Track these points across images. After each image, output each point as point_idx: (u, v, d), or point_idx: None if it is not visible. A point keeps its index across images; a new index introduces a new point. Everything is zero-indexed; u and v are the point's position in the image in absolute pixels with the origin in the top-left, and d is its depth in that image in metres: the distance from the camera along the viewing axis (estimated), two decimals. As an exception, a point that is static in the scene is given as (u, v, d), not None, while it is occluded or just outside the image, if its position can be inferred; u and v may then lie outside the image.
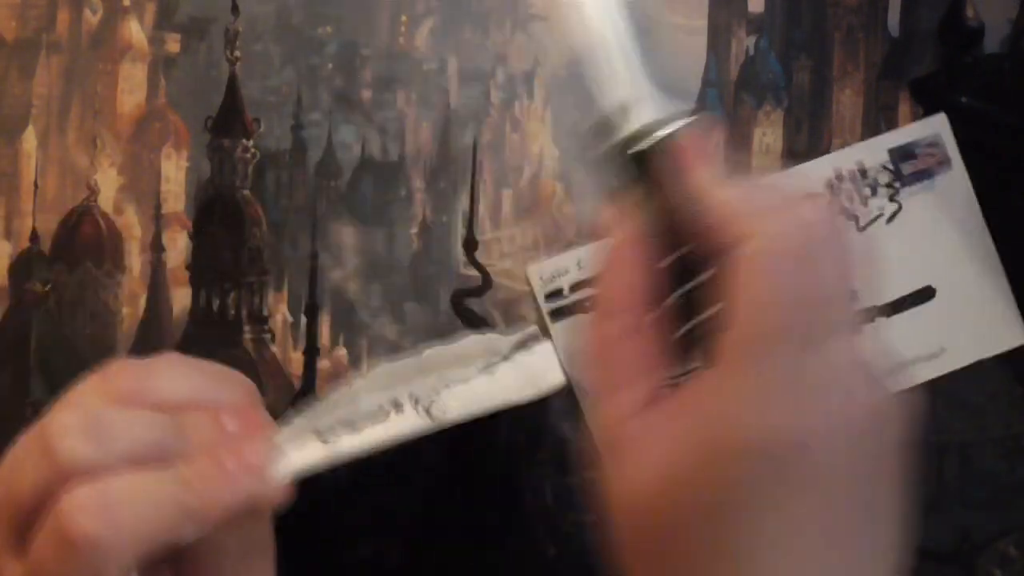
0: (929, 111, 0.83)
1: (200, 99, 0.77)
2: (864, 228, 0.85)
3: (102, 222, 0.81)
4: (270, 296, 0.80)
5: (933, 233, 0.84)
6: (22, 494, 0.35)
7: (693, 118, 0.39)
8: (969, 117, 0.77)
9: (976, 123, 0.77)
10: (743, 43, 0.77)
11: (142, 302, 0.81)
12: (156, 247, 0.80)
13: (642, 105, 0.40)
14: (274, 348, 0.89)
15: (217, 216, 0.79)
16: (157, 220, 0.80)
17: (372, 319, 0.78)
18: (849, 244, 0.42)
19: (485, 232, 0.75)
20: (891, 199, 0.85)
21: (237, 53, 0.77)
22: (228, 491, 0.37)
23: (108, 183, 0.81)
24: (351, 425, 0.42)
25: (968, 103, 0.77)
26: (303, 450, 0.41)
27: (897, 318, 0.85)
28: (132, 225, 0.81)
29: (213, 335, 0.81)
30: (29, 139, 0.90)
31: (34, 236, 0.77)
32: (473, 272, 0.76)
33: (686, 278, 0.40)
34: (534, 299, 0.84)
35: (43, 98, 0.85)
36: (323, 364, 0.84)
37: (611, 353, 0.39)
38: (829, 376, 0.38)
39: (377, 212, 0.78)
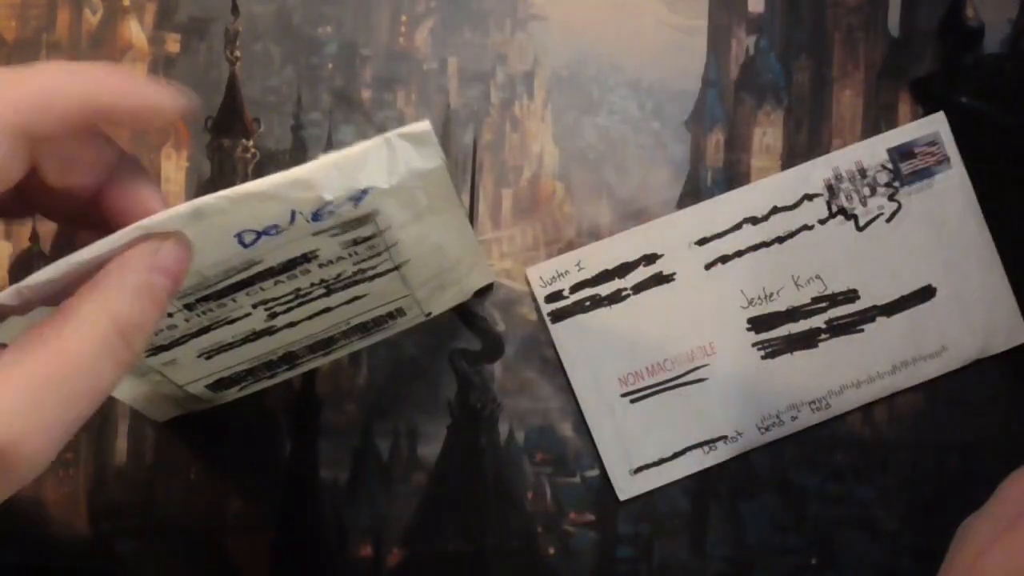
0: (929, 111, 0.83)
1: (200, 99, 0.77)
2: (864, 227, 0.86)
3: (102, 222, 0.81)
4: (270, 296, 0.80)
5: (933, 233, 0.85)
6: None
7: None
8: (969, 117, 0.77)
9: (976, 123, 0.77)
10: (743, 43, 0.77)
11: (142, 302, 0.81)
12: (156, 247, 0.80)
13: None
14: (274, 348, 0.89)
15: (217, 216, 0.79)
16: (157, 220, 0.80)
17: (372, 319, 0.78)
18: None
19: (485, 232, 0.75)
20: (891, 198, 0.86)
21: (237, 53, 0.77)
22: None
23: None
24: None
25: (968, 103, 0.77)
26: None
27: (897, 318, 0.85)
28: (132, 225, 0.81)
29: (213, 335, 0.81)
30: (29, 139, 0.89)
31: (34, 236, 0.77)
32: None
33: None
34: (534, 300, 0.84)
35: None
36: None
37: None
38: None
39: (377, 212, 0.78)
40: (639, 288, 0.77)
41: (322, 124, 0.79)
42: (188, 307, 0.58)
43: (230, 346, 0.65)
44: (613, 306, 0.77)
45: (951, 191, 0.78)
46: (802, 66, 0.79)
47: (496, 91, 0.79)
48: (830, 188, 0.78)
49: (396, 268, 0.64)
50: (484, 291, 0.77)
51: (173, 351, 0.63)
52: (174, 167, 0.78)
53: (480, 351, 0.78)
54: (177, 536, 0.77)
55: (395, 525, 0.77)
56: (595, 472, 0.77)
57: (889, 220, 0.78)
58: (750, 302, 0.77)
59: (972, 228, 0.78)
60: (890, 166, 0.78)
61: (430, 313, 0.74)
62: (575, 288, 0.77)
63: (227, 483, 0.77)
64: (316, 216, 0.54)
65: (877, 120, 0.78)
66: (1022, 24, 0.78)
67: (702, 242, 0.78)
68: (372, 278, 0.64)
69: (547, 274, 0.77)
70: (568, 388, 0.77)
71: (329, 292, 0.64)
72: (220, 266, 0.55)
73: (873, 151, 0.78)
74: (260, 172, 0.78)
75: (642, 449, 0.77)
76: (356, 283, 0.64)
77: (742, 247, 0.77)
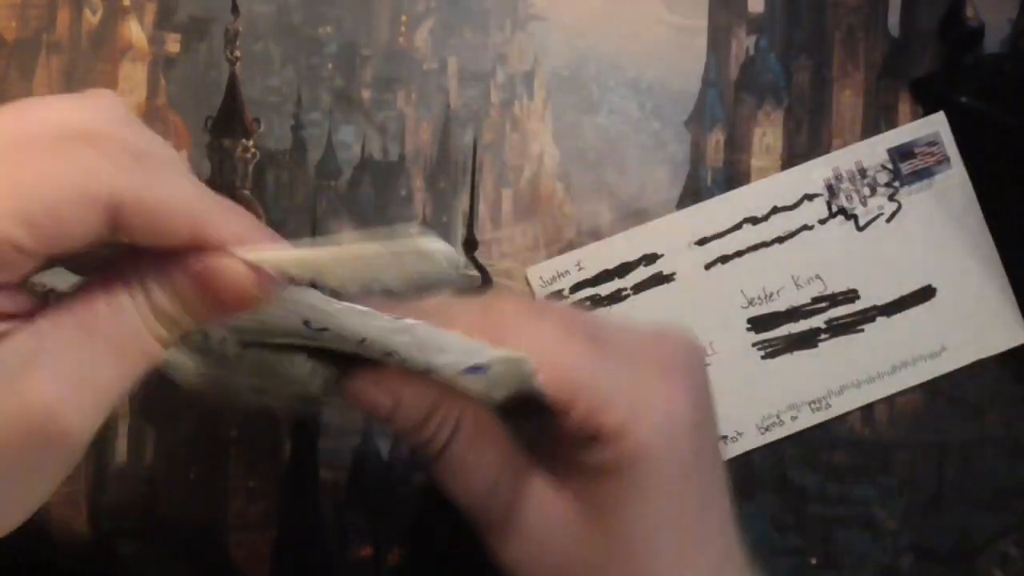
0: (929, 111, 0.83)
1: (200, 99, 0.77)
2: (864, 227, 0.86)
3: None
4: (270, 296, 0.80)
5: (933, 232, 0.85)
6: None
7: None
8: (969, 117, 0.77)
9: (976, 123, 0.77)
10: (743, 43, 0.77)
11: (142, 302, 0.81)
12: (156, 247, 0.80)
13: None
14: (274, 348, 0.89)
15: (217, 216, 0.79)
16: (157, 220, 0.80)
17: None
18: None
19: (485, 232, 0.75)
20: (891, 198, 0.85)
21: (237, 53, 0.77)
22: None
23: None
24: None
25: (968, 103, 0.77)
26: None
27: (897, 318, 0.85)
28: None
29: (213, 335, 0.81)
30: (29, 139, 0.89)
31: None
32: (473, 272, 0.76)
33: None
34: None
35: (43, 98, 0.85)
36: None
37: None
38: None
39: (377, 212, 0.78)
40: (639, 288, 0.77)
41: (322, 124, 0.79)
42: (240, 345, 0.52)
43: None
44: (613, 306, 0.77)
45: (951, 191, 0.78)
46: (802, 66, 0.79)
47: (496, 91, 0.79)
48: (830, 188, 0.78)
49: None
50: (483, 290, 0.77)
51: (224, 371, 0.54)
52: (174, 167, 0.78)
53: (480, 351, 0.78)
54: (177, 536, 0.77)
55: (395, 525, 0.77)
56: (595, 472, 0.77)
57: (889, 220, 0.78)
58: (750, 302, 0.77)
59: (972, 228, 0.78)
60: (890, 166, 0.78)
61: None
62: (575, 288, 0.77)
63: (227, 483, 0.77)
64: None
65: (877, 120, 0.78)
66: (1022, 24, 0.78)
67: (702, 242, 0.78)
68: None
69: (547, 274, 0.77)
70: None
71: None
72: (280, 327, 0.50)
73: (873, 151, 0.78)
74: (260, 172, 0.78)
75: (642, 449, 0.77)
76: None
77: (742, 247, 0.77)
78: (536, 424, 0.49)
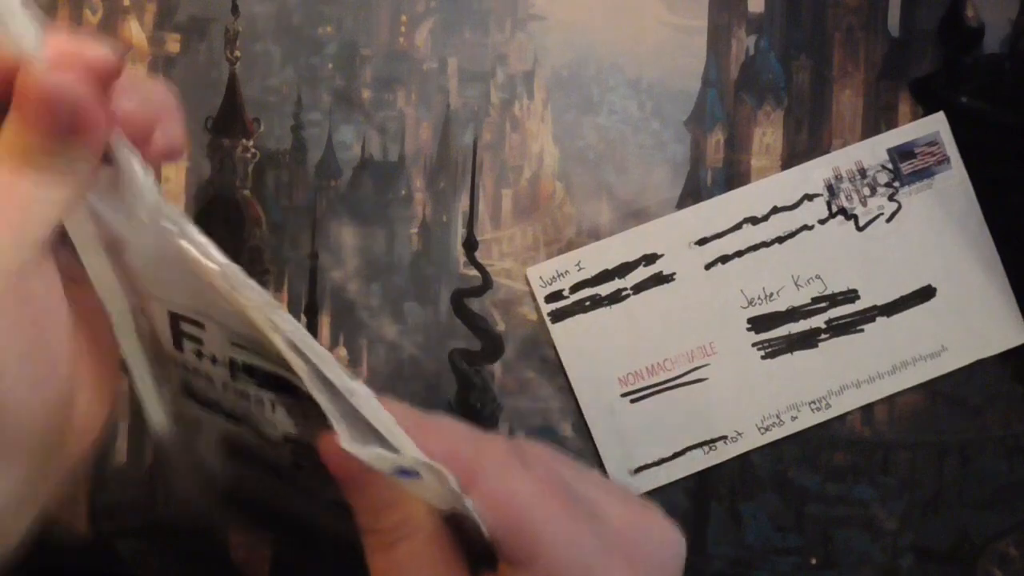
0: (929, 111, 0.83)
1: (200, 99, 0.77)
2: (864, 227, 0.86)
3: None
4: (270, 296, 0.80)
5: (933, 233, 0.85)
6: None
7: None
8: (969, 117, 0.77)
9: (976, 123, 0.77)
10: (743, 43, 0.77)
11: (142, 302, 0.81)
12: (156, 247, 0.80)
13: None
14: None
15: (217, 216, 0.79)
16: (157, 220, 0.80)
17: (372, 319, 0.78)
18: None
19: (485, 232, 0.75)
20: (891, 198, 0.86)
21: (237, 53, 0.77)
22: None
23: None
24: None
25: (968, 103, 0.77)
26: None
27: (897, 318, 0.85)
28: (132, 225, 0.81)
29: (213, 335, 0.81)
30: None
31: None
32: (473, 272, 0.76)
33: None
34: (534, 300, 0.83)
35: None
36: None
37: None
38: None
39: (377, 212, 0.78)
40: (639, 288, 0.77)
41: (322, 124, 0.79)
42: (231, 368, 0.48)
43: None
44: (613, 306, 0.77)
45: (951, 191, 0.78)
46: (802, 66, 0.79)
47: (496, 91, 0.79)
48: (830, 188, 0.78)
49: None
50: (483, 290, 0.77)
51: (201, 410, 0.52)
52: (174, 167, 0.78)
53: (480, 351, 0.78)
54: (177, 536, 0.77)
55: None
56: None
57: (889, 220, 0.78)
58: (750, 302, 0.77)
59: (972, 228, 0.78)
60: (890, 166, 0.78)
61: None
62: (575, 288, 0.77)
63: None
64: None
65: (877, 120, 0.78)
66: (1022, 24, 0.78)
67: (702, 242, 0.78)
68: None
69: (547, 274, 0.77)
70: (568, 388, 0.77)
71: None
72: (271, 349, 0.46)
73: (873, 151, 0.78)
74: (260, 172, 0.78)
75: (642, 449, 0.77)
76: None
77: (742, 247, 0.77)
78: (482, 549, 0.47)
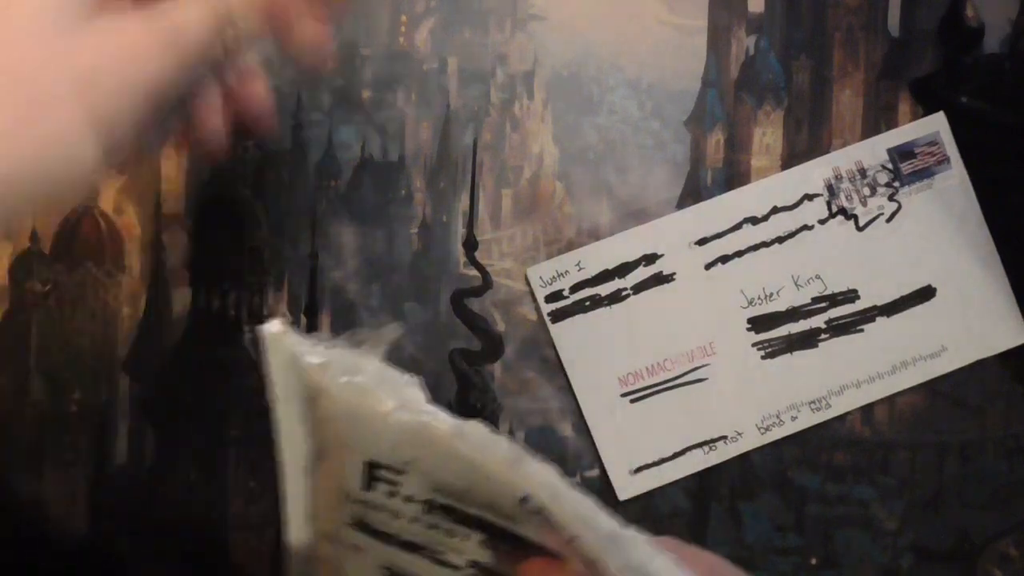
0: (929, 111, 0.83)
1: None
2: (864, 227, 0.86)
3: (102, 222, 0.81)
4: (270, 296, 0.80)
5: (933, 232, 0.85)
6: None
7: None
8: (969, 117, 0.77)
9: (976, 123, 0.77)
10: (743, 43, 0.77)
11: (142, 302, 0.81)
12: (156, 247, 0.80)
13: None
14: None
15: (217, 216, 0.79)
16: (157, 220, 0.80)
17: (372, 319, 0.78)
18: None
19: (485, 232, 0.75)
20: (891, 198, 0.85)
21: (237, 53, 0.77)
22: None
23: (108, 183, 0.81)
24: None
25: (968, 103, 0.77)
26: None
27: (897, 318, 0.85)
28: (132, 225, 0.81)
29: (213, 335, 0.81)
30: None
31: (34, 236, 0.77)
32: (473, 272, 0.76)
33: None
34: (534, 300, 0.83)
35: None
36: (323, 364, 0.84)
37: None
38: None
39: (377, 212, 0.78)
40: (639, 288, 0.77)
41: (322, 124, 0.79)
42: (427, 505, 0.50)
43: None
44: (613, 306, 0.77)
45: (951, 191, 0.78)
46: (802, 66, 0.79)
47: (496, 91, 0.79)
48: (830, 188, 0.78)
49: None
50: (483, 290, 0.77)
51: (369, 539, 0.53)
52: (174, 167, 0.78)
53: (480, 351, 0.78)
54: (177, 536, 0.77)
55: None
56: (595, 472, 0.77)
57: (889, 220, 0.78)
58: (750, 302, 0.77)
59: (972, 228, 0.78)
60: (890, 166, 0.78)
61: None
62: (575, 288, 0.77)
63: (227, 483, 0.77)
64: None
65: (877, 120, 0.78)
66: (1022, 24, 0.78)
67: (702, 242, 0.78)
68: None
69: (547, 274, 0.77)
70: (568, 388, 0.77)
71: None
72: (485, 499, 0.48)
73: (873, 151, 0.78)
74: (260, 172, 0.78)
75: (642, 449, 0.77)
76: None
77: (742, 247, 0.77)
78: None
